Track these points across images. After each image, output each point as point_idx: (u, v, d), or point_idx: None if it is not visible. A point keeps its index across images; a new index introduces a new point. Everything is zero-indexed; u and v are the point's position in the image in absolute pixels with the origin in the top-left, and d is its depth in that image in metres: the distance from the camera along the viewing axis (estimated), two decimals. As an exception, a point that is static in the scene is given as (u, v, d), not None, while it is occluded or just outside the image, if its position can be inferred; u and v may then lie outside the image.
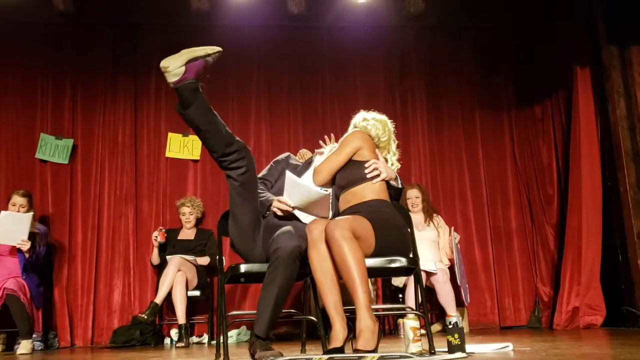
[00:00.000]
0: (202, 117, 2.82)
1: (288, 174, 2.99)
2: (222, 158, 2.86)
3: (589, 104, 5.39)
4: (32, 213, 5.17)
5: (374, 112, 3.25)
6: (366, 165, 2.98)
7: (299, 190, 2.92)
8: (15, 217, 5.05)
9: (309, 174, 3.31)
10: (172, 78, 2.70)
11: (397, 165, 3.21)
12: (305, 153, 3.66)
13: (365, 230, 2.76)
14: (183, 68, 2.69)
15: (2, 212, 5.07)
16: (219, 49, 2.79)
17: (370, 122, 3.17)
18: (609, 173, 5.28)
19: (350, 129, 3.24)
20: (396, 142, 3.25)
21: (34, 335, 5.02)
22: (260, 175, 3.33)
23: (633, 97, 5.20)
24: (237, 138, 2.90)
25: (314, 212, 2.97)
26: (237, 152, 2.85)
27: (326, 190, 2.92)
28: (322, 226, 2.75)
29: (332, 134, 3.52)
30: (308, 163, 3.42)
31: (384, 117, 3.24)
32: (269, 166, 3.43)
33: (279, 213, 3.00)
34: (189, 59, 2.70)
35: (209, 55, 2.75)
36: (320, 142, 3.53)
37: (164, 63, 2.69)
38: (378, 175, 2.98)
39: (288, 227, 2.87)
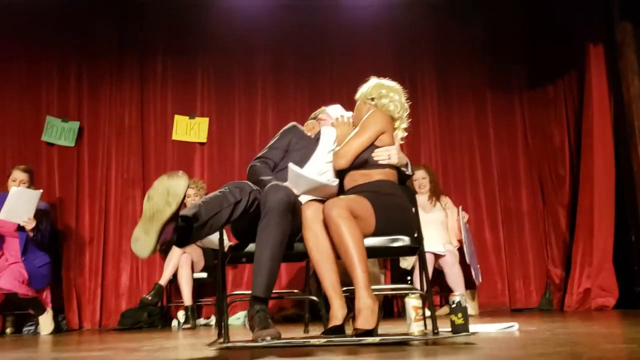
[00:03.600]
0: (201, 234, 2.55)
1: (291, 165, 2.88)
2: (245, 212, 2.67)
3: (602, 83, 5.29)
4: (41, 190, 5.05)
5: (387, 80, 3.11)
6: (376, 151, 2.90)
7: (303, 181, 2.83)
8: (25, 194, 4.90)
9: (316, 158, 3.18)
10: (153, 253, 2.33)
11: (403, 134, 3.11)
12: (313, 124, 3.45)
13: (364, 210, 2.71)
14: (158, 245, 2.32)
15: (13, 187, 4.95)
16: (182, 189, 2.33)
17: (390, 96, 3.04)
18: (622, 152, 5.17)
19: (362, 97, 3.11)
20: (408, 110, 3.12)
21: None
22: (261, 153, 3.23)
23: (647, 75, 5.08)
24: (231, 192, 2.63)
25: (322, 195, 2.90)
26: (249, 200, 2.65)
27: (334, 182, 2.84)
28: (316, 207, 2.72)
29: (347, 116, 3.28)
30: (316, 139, 3.28)
31: (397, 86, 3.11)
32: (273, 142, 3.27)
33: None
34: (158, 232, 2.29)
35: (175, 211, 2.32)
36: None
37: (136, 251, 2.32)
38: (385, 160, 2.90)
39: (276, 182, 2.77)
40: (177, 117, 6.11)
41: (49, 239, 5.21)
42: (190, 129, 6.11)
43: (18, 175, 5.16)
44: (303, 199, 2.93)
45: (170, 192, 2.30)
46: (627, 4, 5.17)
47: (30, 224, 4.90)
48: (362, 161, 2.90)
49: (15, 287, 4.77)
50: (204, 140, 6.14)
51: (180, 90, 6.27)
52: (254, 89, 6.32)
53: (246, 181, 2.76)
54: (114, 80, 6.17)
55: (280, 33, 6.36)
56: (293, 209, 2.67)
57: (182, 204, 2.38)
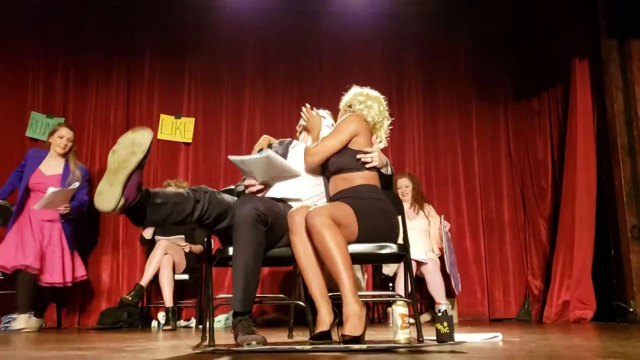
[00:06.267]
0: (162, 214, 2.52)
1: (230, 157, 2.90)
2: (202, 221, 2.67)
3: (587, 97, 5.34)
4: (77, 184, 5.01)
5: (368, 89, 3.14)
6: (360, 154, 2.91)
7: (247, 165, 2.87)
8: (61, 192, 4.88)
9: (292, 157, 3.18)
10: (118, 212, 2.34)
11: (385, 144, 3.12)
12: (264, 140, 3.38)
13: (346, 216, 2.72)
14: (123, 199, 2.31)
15: (50, 188, 4.84)
16: (147, 139, 2.32)
17: (367, 104, 3.05)
18: (604, 167, 5.23)
19: (342, 105, 3.15)
20: (389, 119, 3.15)
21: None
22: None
23: (631, 91, 5.14)
24: (191, 192, 2.63)
25: (290, 175, 2.92)
26: (205, 201, 2.63)
27: (270, 154, 2.83)
28: (304, 213, 2.72)
29: (307, 105, 3.33)
30: (286, 146, 3.25)
31: (377, 95, 3.13)
32: None
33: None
34: (123, 182, 2.28)
35: (141, 160, 2.31)
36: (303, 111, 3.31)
37: (100, 206, 2.30)
38: (370, 163, 2.92)
39: (246, 196, 2.81)
40: (162, 117, 6.09)
41: (87, 207, 5.21)
42: (175, 128, 6.09)
43: (65, 132, 5.22)
44: (280, 190, 2.96)
45: (135, 142, 2.29)
46: (613, 21, 5.24)
47: (66, 210, 5.05)
48: (341, 166, 2.92)
49: (35, 266, 4.87)
50: (189, 141, 6.13)
51: (167, 90, 6.25)
52: (242, 91, 6.31)
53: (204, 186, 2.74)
54: (100, 78, 6.15)
55: (270, 36, 6.37)
56: (265, 219, 2.64)
57: (148, 156, 2.35)
